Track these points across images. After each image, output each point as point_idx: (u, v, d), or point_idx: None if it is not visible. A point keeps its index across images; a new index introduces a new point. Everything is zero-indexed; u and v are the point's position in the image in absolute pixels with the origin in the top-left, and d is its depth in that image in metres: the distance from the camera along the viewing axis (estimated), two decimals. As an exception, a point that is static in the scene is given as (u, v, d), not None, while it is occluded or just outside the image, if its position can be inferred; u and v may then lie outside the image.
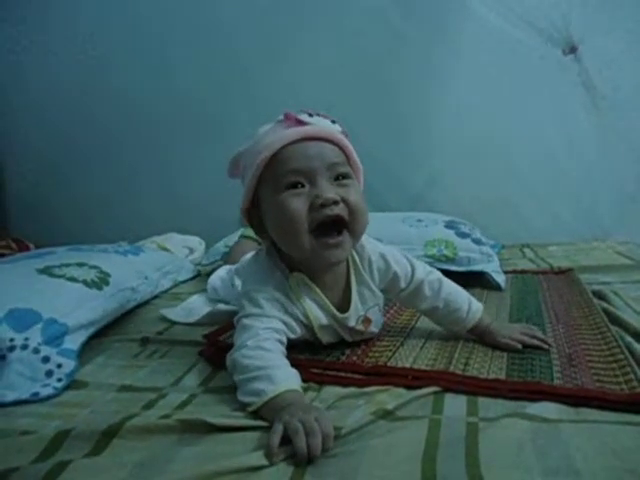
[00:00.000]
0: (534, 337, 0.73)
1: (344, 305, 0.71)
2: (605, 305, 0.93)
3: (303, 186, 0.62)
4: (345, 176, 0.65)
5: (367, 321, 0.74)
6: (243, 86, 1.94)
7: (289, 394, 0.54)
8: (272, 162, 0.63)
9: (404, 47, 1.84)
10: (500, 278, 1.16)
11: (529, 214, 1.86)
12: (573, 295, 1.03)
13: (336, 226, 0.63)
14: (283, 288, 0.67)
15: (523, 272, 1.31)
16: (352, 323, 0.72)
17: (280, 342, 0.64)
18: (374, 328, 0.76)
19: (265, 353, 0.59)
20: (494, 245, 1.49)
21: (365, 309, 0.73)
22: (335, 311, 0.70)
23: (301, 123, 0.63)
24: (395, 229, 1.27)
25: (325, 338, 0.72)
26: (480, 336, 0.76)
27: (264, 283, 0.67)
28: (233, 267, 1.02)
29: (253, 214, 0.69)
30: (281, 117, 0.66)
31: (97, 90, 2.12)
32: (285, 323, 0.66)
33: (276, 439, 0.46)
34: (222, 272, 1.04)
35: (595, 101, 1.75)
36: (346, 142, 0.66)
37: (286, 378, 0.56)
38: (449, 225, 1.33)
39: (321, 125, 0.64)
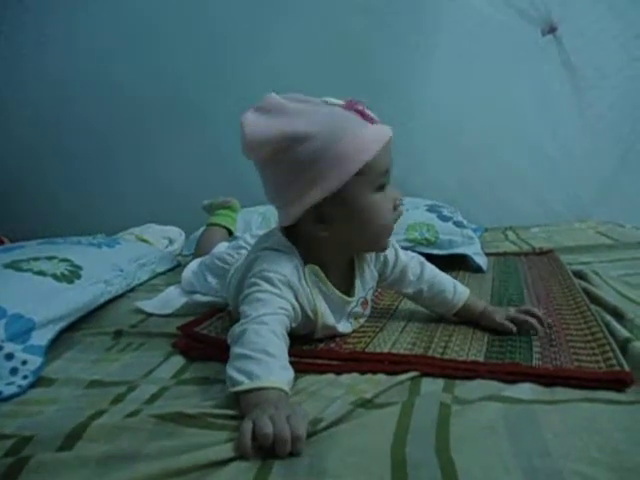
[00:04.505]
0: (529, 316, 0.72)
1: (349, 292, 0.72)
2: (585, 284, 0.93)
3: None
4: None
5: (365, 303, 0.76)
6: (225, 75, 1.90)
7: (277, 393, 0.50)
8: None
9: (384, 31, 1.81)
10: (481, 260, 1.16)
11: (512, 197, 1.86)
12: (554, 275, 1.03)
13: None
14: (298, 276, 0.66)
15: (505, 254, 1.31)
16: (353, 305, 0.73)
17: (286, 331, 0.61)
18: (368, 311, 0.78)
19: (277, 340, 0.56)
20: (477, 229, 1.49)
21: (365, 291, 0.75)
22: (344, 296, 0.71)
23: (372, 120, 0.63)
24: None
25: (319, 335, 0.71)
26: (477, 320, 0.76)
27: (281, 267, 0.65)
28: (204, 261, 0.98)
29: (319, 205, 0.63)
30: (342, 102, 0.63)
31: (78, 82, 2.07)
32: (294, 309, 0.64)
33: (247, 440, 0.43)
34: (194, 265, 1.00)
35: (575, 82, 1.75)
36: None
37: (283, 376, 0.53)
38: (431, 209, 1.33)
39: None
